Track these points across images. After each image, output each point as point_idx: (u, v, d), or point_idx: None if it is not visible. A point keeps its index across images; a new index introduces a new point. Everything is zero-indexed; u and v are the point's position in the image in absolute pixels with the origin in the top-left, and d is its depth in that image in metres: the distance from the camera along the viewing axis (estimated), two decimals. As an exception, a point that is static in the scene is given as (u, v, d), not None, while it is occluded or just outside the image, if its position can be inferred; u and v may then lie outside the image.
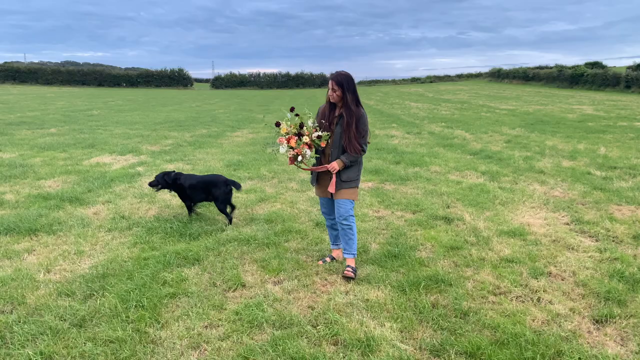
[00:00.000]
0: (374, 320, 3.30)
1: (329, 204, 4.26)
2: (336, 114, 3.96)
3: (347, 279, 3.93)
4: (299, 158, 3.86)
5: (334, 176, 3.97)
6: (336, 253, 4.37)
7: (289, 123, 3.90)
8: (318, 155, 4.01)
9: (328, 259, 4.33)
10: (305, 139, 3.83)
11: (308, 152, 3.85)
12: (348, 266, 4.04)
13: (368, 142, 4.00)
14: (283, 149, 3.87)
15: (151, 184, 5.49)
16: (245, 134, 13.34)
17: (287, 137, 3.87)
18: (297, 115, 3.94)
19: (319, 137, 3.87)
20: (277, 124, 3.94)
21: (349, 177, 4.01)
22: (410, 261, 4.26)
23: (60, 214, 5.49)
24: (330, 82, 3.89)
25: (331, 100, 3.92)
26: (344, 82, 3.84)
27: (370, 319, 3.31)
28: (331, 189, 3.98)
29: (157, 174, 5.78)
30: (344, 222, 4.05)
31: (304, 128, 3.87)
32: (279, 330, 3.14)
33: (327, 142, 3.94)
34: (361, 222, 5.34)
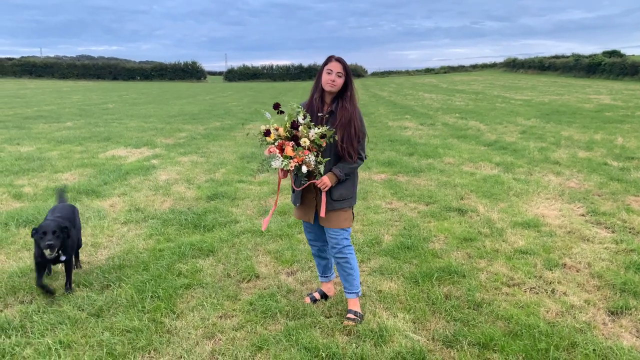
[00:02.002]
0: (387, 311, 3.31)
1: (315, 229, 3.34)
2: (325, 110, 3.08)
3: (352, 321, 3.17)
4: (304, 169, 2.88)
5: (323, 195, 3.06)
6: (327, 287, 3.53)
7: (274, 125, 2.97)
8: (328, 159, 2.99)
9: (317, 295, 3.48)
10: (304, 141, 2.87)
11: (312, 158, 2.88)
12: (350, 311, 3.23)
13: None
14: (278, 162, 2.88)
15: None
16: (258, 126, 13.37)
17: (277, 143, 2.92)
18: (281, 112, 2.99)
19: (322, 135, 2.88)
20: (267, 133, 2.94)
21: (341, 195, 3.10)
22: (423, 253, 4.25)
23: (77, 206, 5.57)
24: (333, 63, 3.01)
25: (329, 89, 3.02)
26: (348, 69, 3.04)
27: (383, 310, 3.32)
28: (322, 212, 3.06)
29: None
30: (339, 256, 3.19)
31: (299, 127, 2.92)
32: (293, 321, 3.17)
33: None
34: (374, 214, 5.34)
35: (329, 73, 3.00)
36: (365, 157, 3.19)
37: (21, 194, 6.05)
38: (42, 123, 13.41)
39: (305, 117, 2.95)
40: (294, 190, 3.21)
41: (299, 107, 2.98)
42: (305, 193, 3.17)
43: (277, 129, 2.95)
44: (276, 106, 2.99)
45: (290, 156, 2.87)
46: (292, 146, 2.89)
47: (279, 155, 2.89)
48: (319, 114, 3.06)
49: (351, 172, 3.11)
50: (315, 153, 2.91)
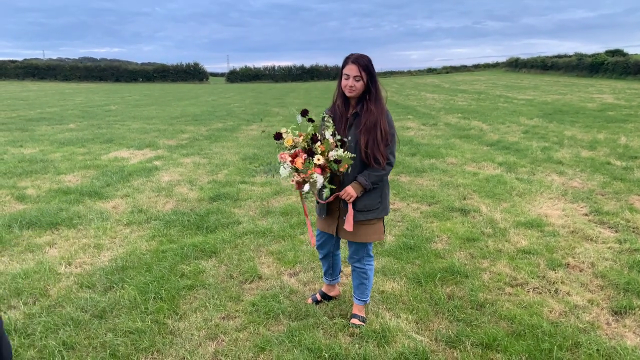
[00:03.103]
0: (390, 312, 3.31)
1: (329, 239, 3.17)
2: (350, 112, 2.83)
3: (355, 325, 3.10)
4: (306, 187, 2.70)
5: (349, 208, 2.84)
6: (330, 288, 3.43)
7: (296, 132, 2.74)
8: (334, 187, 2.80)
9: (319, 296, 3.42)
10: (318, 158, 2.63)
11: (320, 178, 2.66)
12: (355, 315, 3.17)
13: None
14: (284, 170, 2.70)
15: None
16: (261, 127, 13.38)
17: (292, 152, 2.70)
18: (311, 120, 2.76)
19: (337, 160, 2.64)
20: (278, 136, 2.74)
21: (366, 206, 2.86)
22: (425, 253, 4.25)
23: (80, 208, 5.59)
24: (348, 66, 2.72)
25: (349, 94, 2.77)
26: (370, 66, 2.74)
27: (386, 311, 3.32)
28: (348, 226, 2.84)
29: None
30: (357, 265, 3.10)
31: (319, 142, 2.68)
32: (295, 322, 3.17)
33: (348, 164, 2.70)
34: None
35: (346, 78, 2.76)
36: (394, 162, 2.88)
37: (24, 195, 6.06)
38: (45, 125, 13.44)
39: (334, 135, 2.72)
40: (317, 202, 2.99)
41: (329, 122, 2.75)
42: (331, 205, 2.98)
43: (300, 136, 2.72)
44: (304, 113, 2.78)
45: (298, 169, 2.66)
46: (305, 159, 2.65)
47: (289, 164, 2.68)
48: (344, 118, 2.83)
49: (379, 180, 2.82)
50: (326, 176, 2.71)
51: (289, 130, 2.74)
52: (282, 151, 2.74)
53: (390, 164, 2.84)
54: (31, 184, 6.67)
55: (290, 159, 2.68)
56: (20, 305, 3.38)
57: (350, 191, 2.79)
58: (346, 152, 2.68)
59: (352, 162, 2.70)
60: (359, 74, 2.71)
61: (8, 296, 3.50)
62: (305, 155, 2.66)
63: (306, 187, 2.70)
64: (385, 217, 3.00)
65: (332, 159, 2.65)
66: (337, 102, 2.88)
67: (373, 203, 2.89)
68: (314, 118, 2.77)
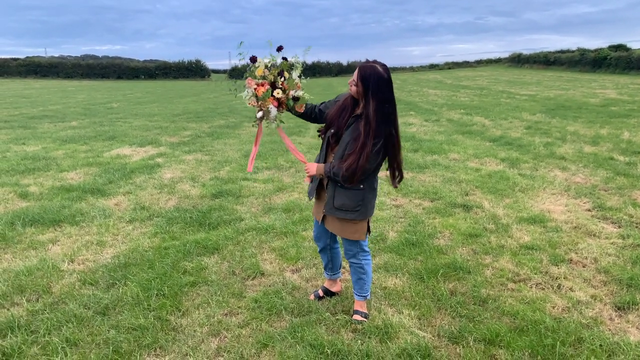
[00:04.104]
0: (392, 308, 3.30)
1: (320, 228, 3.24)
2: (357, 111, 2.83)
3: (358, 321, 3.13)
4: (259, 114, 2.90)
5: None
6: (332, 284, 3.46)
7: (269, 64, 2.90)
8: (283, 122, 3.01)
9: (321, 292, 3.44)
10: (278, 92, 2.86)
11: (274, 110, 2.88)
12: (356, 312, 3.19)
13: (366, 176, 2.83)
14: (246, 93, 2.91)
15: None
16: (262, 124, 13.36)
17: (259, 81, 2.89)
18: (284, 59, 2.91)
19: (295, 98, 2.91)
20: (253, 59, 2.90)
21: (343, 205, 2.89)
22: (428, 249, 4.24)
23: (82, 205, 5.60)
24: (356, 70, 2.77)
25: (352, 93, 2.83)
26: (370, 80, 2.66)
27: (388, 307, 3.32)
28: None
29: None
30: (353, 261, 3.14)
31: (284, 79, 2.88)
32: (298, 318, 3.17)
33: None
34: (379, 210, 5.33)
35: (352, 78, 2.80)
36: (344, 177, 2.76)
37: (27, 193, 6.08)
38: (48, 122, 13.46)
39: (300, 76, 2.94)
40: (311, 180, 3.09)
41: (298, 62, 2.91)
42: (320, 190, 3.07)
43: (270, 68, 2.88)
44: (279, 49, 2.89)
45: (257, 96, 2.86)
46: (267, 90, 2.85)
47: (252, 89, 2.88)
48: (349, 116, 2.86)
49: (334, 177, 2.80)
50: (282, 109, 2.94)
51: (261, 60, 2.88)
52: (251, 77, 2.91)
53: (338, 175, 2.77)
54: (34, 182, 6.68)
55: (255, 86, 2.88)
56: (24, 302, 3.39)
57: (310, 167, 2.94)
58: (304, 93, 2.93)
59: (307, 101, 2.96)
60: (355, 79, 2.74)
61: (11, 293, 3.51)
62: (268, 86, 2.86)
63: (259, 114, 2.90)
64: (369, 218, 3.03)
65: (290, 96, 2.90)
66: (348, 98, 2.90)
67: (351, 204, 2.88)
68: (287, 57, 2.93)
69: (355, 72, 2.73)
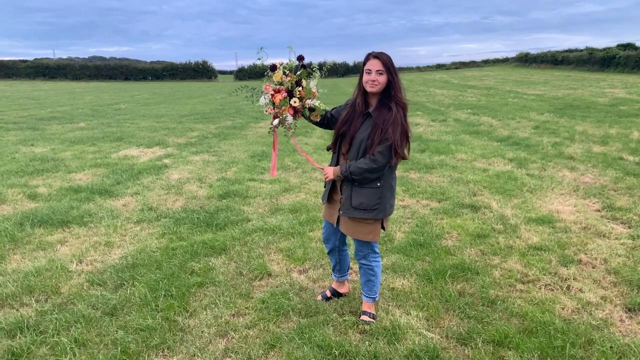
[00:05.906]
0: (400, 309, 3.29)
1: (331, 230, 3.22)
2: (367, 109, 2.89)
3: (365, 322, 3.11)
4: (275, 122, 2.93)
5: (298, 148, 3.39)
6: (340, 285, 3.45)
7: (287, 71, 2.91)
8: (297, 127, 3.02)
9: (328, 293, 3.43)
10: (295, 101, 2.87)
11: (290, 118, 2.90)
12: (365, 313, 3.17)
13: (398, 157, 2.84)
14: (263, 100, 2.92)
15: None
16: (268, 125, 13.38)
17: (276, 87, 2.91)
18: (303, 67, 2.93)
19: (311, 108, 2.93)
20: (273, 68, 2.91)
21: (362, 204, 2.87)
22: (436, 250, 4.22)
23: (90, 206, 5.63)
24: (371, 61, 2.77)
25: (370, 90, 2.81)
26: (391, 62, 2.78)
27: (396, 308, 3.31)
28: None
29: None
30: (363, 262, 3.12)
31: (302, 88, 2.89)
32: (305, 319, 3.17)
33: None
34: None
35: (368, 73, 2.78)
36: (382, 165, 2.79)
37: (36, 194, 6.12)
38: (56, 124, 13.55)
39: (317, 85, 2.96)
40: (325, 186, 3.14)
41: (316, 69, 2.92)
42: (332, 193, 3.07)
43: (289, 75, 2.90)
44: (300, 58, 2.92)
45: (274, 103, 2.88)
46: (284, 98, 2.87)
47: (269, 96, 2.89)
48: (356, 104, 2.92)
49: (360, 173, 2.79)
50: (297, 117, 2.95)
51: (283, 64, 2.91)
52: (269, 83, 2.92)
53: (375, 161, 2.77)
54: (42, 183, 6.72)
55: (272, 92, 2.89)
56: (33, 303, 3.41)
57: (328, 171, 2.96)
58: (320, 104, 2.94)
59: (324, 113, 2.99)
60: (381, 68, 2.75)
61: (20, 294, 3.53)
62: (286, 94, 2.88)
63: (275, 122, 2.93)
64: (385, 218, 2.99)
65: (307, 105, 2.91)
66: (358, 100, 2.91)
67: (370, 203, 2.87)
68: (306, 65, 2.94)
69: (377, 63, 2.75)
